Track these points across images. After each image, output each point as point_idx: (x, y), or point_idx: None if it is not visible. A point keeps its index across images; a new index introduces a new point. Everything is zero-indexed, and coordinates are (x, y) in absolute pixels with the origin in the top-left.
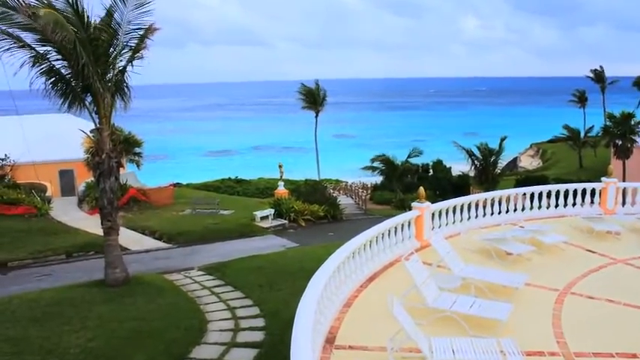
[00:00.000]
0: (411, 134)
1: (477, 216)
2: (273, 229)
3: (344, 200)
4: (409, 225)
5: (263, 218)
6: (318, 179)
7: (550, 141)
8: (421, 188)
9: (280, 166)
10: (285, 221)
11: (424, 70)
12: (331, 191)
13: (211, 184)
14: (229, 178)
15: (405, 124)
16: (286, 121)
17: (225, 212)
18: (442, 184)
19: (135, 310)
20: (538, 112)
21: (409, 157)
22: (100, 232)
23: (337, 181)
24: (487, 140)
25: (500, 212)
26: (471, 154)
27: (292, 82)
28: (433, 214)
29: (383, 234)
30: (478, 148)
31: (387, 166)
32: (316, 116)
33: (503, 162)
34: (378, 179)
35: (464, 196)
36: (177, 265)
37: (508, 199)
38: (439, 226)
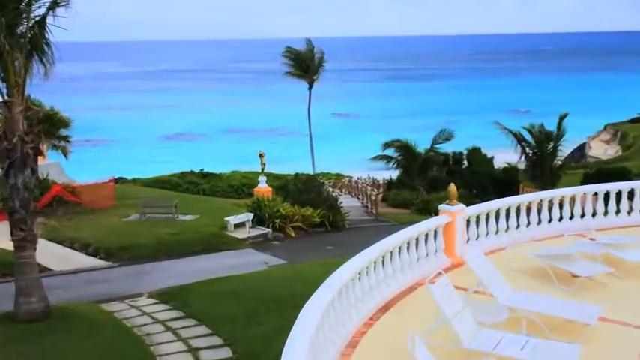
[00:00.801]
0: (438, 112)
1: (529, 224)
2: (251, 240)
3: (347, 202)
4: (435, 235)
5: (238, 226)
6: (312, 173)
7: (632, 121)
8: (452, 186)
9: (261, 156)
10: (268, 230)
11: (458, 25)
12: (330, 190)
13: (167, 180)
14: (192, 172)
15: (429, 99)
16: (269, 94)
17: (187, 218)
18: (481, 180)
19: (57, 355)
20: (617, 81)
21: (435, 143)
22: (9, 245)
23: (338, 177)
24: (543, 120)
25: (561, 219)
26: (520, 139)
27: (278, 42)
28: (468, 221)
29: (400, 247)
30: (530, 131)
31: (406, 156)
32: (309, 88)
33: (565, 150)
34: (393, 174)
35: (511, 196)
36: (119, 291)
37: (573, 201)
38: (477, 238)
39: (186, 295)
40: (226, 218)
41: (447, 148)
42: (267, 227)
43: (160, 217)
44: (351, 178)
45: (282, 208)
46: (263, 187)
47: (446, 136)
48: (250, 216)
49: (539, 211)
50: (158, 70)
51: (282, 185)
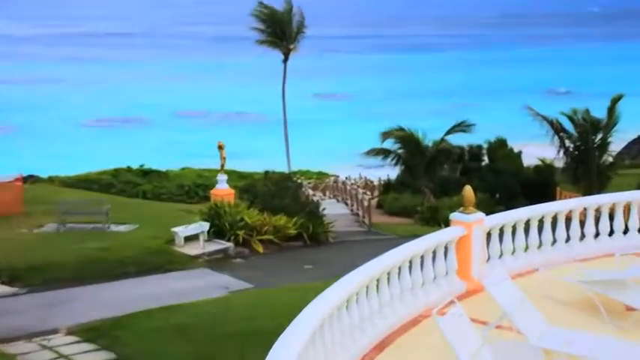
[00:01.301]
0: (449, 93)
1: (568, 239)
2: (207, 257)
3: (332, 208)
4: (446, 252)
5: (189, 239)
6: (287, 172)
7: None
8: (468, 188)
9: (221, 148)
10: (229, 244)
11: None
12: (310, 193)
13: (96, 179)
14: (129, 169)
15: (438, 76)
16: (232, 68)
17: (121, 228)
18: (505, 182)
19: None
20: None
21: (448, 133)
22: None
23: (320, 176)
24: (589, 104)
25: (612, 233)
26: (558, 128)
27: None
28: (489, 234)
29: (400, 268)
30: (571, 118)
31: (408, 149)
32: (284, 61)
33: (618, 143)
34: (391, 172)
35: (545, 202)
36: (26, 327)
37: (627, 211)
38: (500, 256)
39: (119, 332)
40: (174, 229)
41: (461, 140)
42: (228, 241)
43: (86, 227)
44: (338, 177)
45: (247, 216)
46: (223, 189)
47: (464, 126)
48: (206, 226)
49: (582, 223)
50: (77, 32)
51: (249, 186)
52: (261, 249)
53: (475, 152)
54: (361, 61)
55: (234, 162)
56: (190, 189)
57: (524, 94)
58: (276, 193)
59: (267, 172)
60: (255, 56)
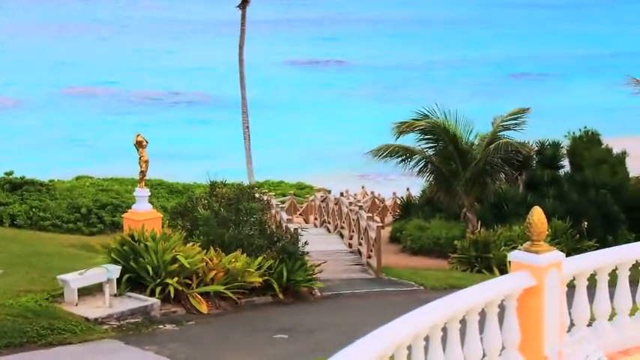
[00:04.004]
0: (507, 61)
1: None
2: (117, 322)
3: (319, 241)
4: (502, 315)
5: (88, 292)
6: (247, 183)
7: None
8: (537, 213)
9: (140, 146)
10: (153, 300)
11: None
12: (284, 217)
13: None
14: None
15: (486, 35)
16: (154, 20)
17: None
18: (599, 202)
19: None
20: None
21: (508, 125)
22: None
23: (300, 190)
24: None
25: None
26: None
27: None
28: (572, 285)
29: (428, 339)
30: None
31: (440, 147)
32: (242, 6)
33: None
34: (412, 184)
35: None
36: None
37: None
38: (589, 323)
39: None
40: (62, 277)
41: (529, 133)
42: (152, 295)
43: None
44: (329, 193)
45: (183, 256)
46: (143, 211)
47: (517, 118)
48: (115, 271)
49: None
50: None
51: (185, 207)
52: (204, 308)
53: (549, 154)
54: (365, 10)
55: (161, 168)
56: (90, 211)
57: (625, 61)
58: (230, 218)
59: (214, 185)
60: (196, 2)
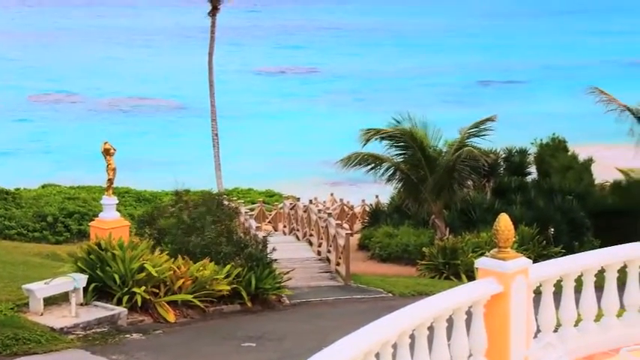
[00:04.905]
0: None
1: None
2: (83, 332)
3: (288, 249)
4: (470, 322)
5: (53, 301)
6: (216, 190)
7: None
8: (504, 219)
9: (108, 154)
10: (120, 309)
11: None
12: (252, 224)
13: None
14: None
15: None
16: (126, 28)
17: None
18: (566, 209)
19: None
20: None
21: (474, 134)
22: None
23: (269, 197)
24: None
25: None
26: None
27: None
28: (539, 292)
29: (395, 347)
30: None
31: (408, 155)
32: (212, 14)
33: None
34: (382, 192)
35: (629, 242)
36: None
37: None
38: (556, 329)
39: None
40: (27, 286)
41: (497, 140)
42: (119, 304)
43: None
44: (297, 201)
45: (150, 264)
46: (111, 219)
47: (482, 126)
48: (82, 280)
49: None
50: None
51: (153, 215)
52: (172, 317)
53: (516, 161)
54: (333, 18)
55: (129, 175)
56: (56, 219)
57: (589, 71)
58: (197, 225)
59: (181, 193)
60: (162, 9)
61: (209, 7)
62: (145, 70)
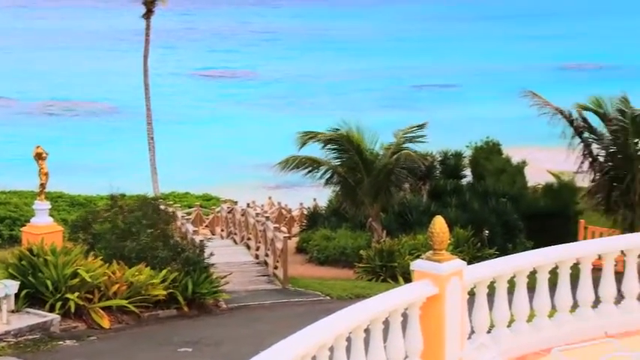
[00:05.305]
0: (411, 73)
1: (598, 302)
2: (14, 339)
3: (226, 253)
4: (406, 324)
5: None
6: (152, 194)
7: None
8: (439, 222)
9: (40, 158)
10: (53, 316)
11: None
12: (189, 228)
13: None
14: None
15: (392, 48)
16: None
17: None
18: (500, 211)
19: None
20: None
21: (409, 138)
22: None
23: (207, 201)
24: (630, 87)
25: None
26: (578, 125)
27: None
28: (473, 293)
29: (332, 349)
30: (596, 112)
31: (347, 159)
32: (147, 14)
33: None
34: (319, 195)
35: (561, 243)
36: None
37: None
38: (489, 329)
39: None
40: None
41: (432, 143)
42: (51, 310)
43: None
44: (235, 204)
45: (84, 270)
46: (43, 224)
47: (416, 131)
48: (13, 286)
49: (618, 278)
50: None
51: (86, 220)
52: (106, 323)
53: (452, 164)
54: (268, 24)
55: (63, 180)
56: None
57: (526, 74)
58: (133, 230)
59: (116, 197)
60: (96, 13)
61: (143, 10)
62: (77, 73)
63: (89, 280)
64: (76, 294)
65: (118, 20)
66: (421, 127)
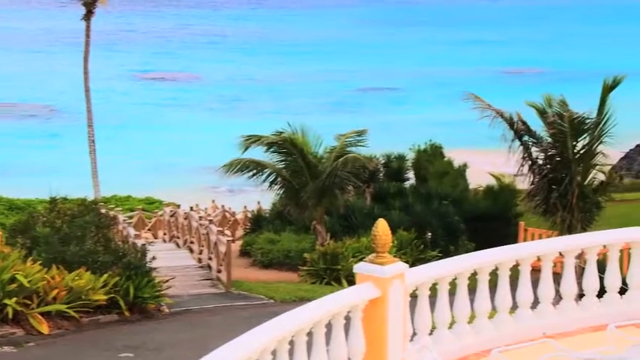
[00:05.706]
0: (356, 77)
1: (536, 303)
2: None
3: (168, 256)
4: (348, 327)
5: None
6: (93, 198)
7: None
8: (382, 225)
9: None
10: None
11: None
12: (131, 232)
13: None
14: None
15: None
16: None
17: None
18: (442, 213)
19: None
20: None
21: (352, 142)
22: None
23: (149, 205)
24: (568, 89)
25: (602, 294)
26: (519, 128)
27: None
28: (415, 295)
29: (275, 353)
30: (541, 112)
31: (291, 162)
32: (87, 15)
33: (612, 153)
34: (263, 198)
35: (501, 245)
36: None
37: (627, 259)
38: (431, 332)
39: None
40: None
41: (376, 146)
42: None
43: None
44: (178, 208)
45: (22, 274)
46: None
47: (357, 136)
48: None
49: (557, 279)
50: None
51: (25, 224)
52: (45, 328)
53: (395, 167)
54: (210, 27)
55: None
56: None
57: (470, 77)
58: (73, 234)
59: (55, 200)
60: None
61: (83, 11)
62: (15, 74)
63: (27, 285)
64: (14, 299)
65: (57, 21)
66: (361, 133)
